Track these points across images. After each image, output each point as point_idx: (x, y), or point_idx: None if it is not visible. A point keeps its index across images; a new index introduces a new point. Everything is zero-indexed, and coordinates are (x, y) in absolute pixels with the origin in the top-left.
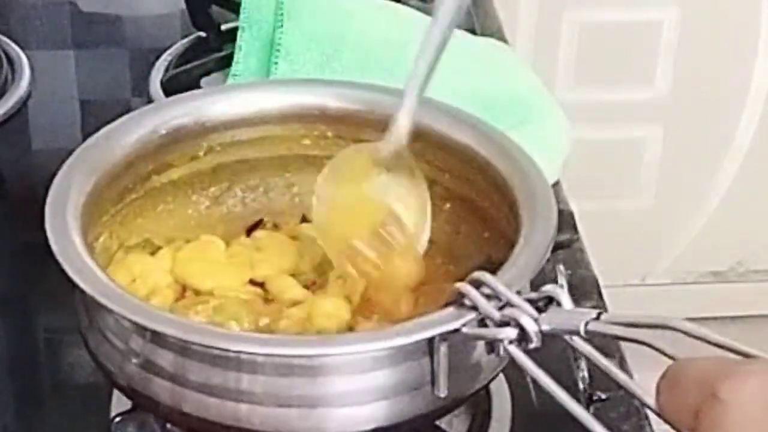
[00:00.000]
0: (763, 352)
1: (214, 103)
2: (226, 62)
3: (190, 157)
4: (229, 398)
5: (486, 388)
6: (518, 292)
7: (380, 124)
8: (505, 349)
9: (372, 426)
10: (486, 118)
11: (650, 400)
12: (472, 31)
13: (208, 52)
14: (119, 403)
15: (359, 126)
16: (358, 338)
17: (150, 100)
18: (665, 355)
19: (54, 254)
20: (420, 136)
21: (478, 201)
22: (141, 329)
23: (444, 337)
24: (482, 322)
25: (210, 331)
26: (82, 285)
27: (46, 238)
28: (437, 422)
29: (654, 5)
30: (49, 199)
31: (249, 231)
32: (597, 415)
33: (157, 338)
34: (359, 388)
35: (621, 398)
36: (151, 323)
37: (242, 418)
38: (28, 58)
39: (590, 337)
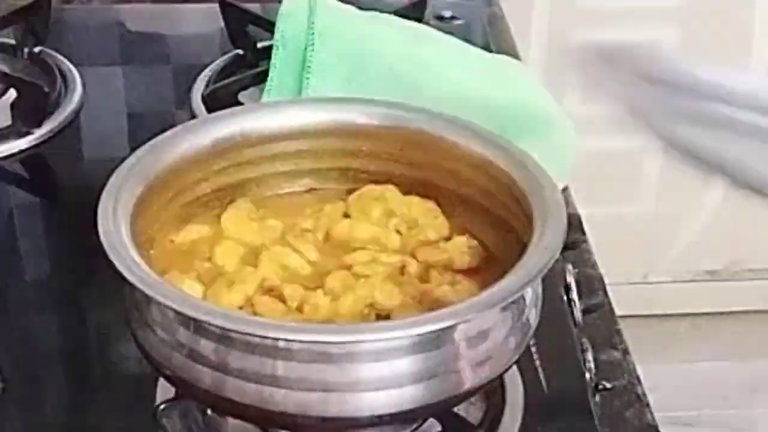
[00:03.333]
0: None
1: (258, 118)
2: (262, 78)
3: (235, 166)
4: (264, 383)
5: (501, 377)
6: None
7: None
8: None
9: (403, 408)
10: (500, 129)
11: None
12: (488, 49)
13: (245, 69)
14: (164, 392)
15: (389, 142)
16: (381, 327)
17: (192, 113)
18: None
19: (105, 251)
20: (443, 151)
21: (495, 209)
22: (184, 319)
23: None
24: None
25: (248, 320)
26: (130, 278)
27: (97, 240)
28: (455, 409)
29: (655, 25)
30: (101, 202)
31: None
32: (602, 404)
33: (200, 328)
34: (385, 374)
35: (624, 387)
36: (194, 313)
37: (272, 401)
38: (80, 74)
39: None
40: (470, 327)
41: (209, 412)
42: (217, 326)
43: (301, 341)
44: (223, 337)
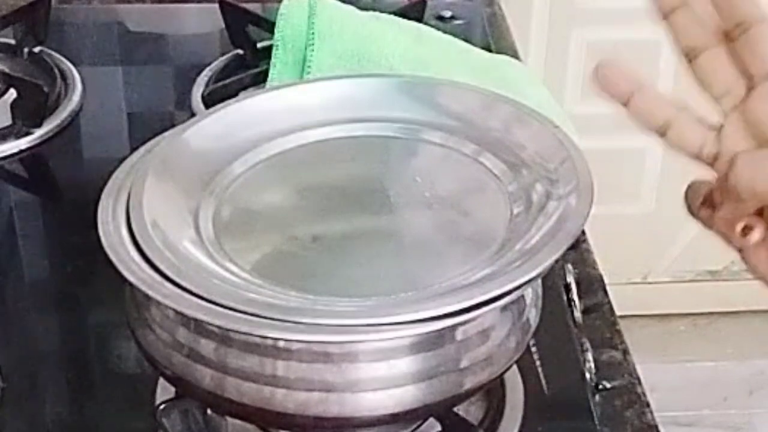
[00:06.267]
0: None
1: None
2: (262, 78)
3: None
4: (264, 383)
5: (501, 376)
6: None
7: None
8: None
9: (403, 408)
10: None
11: None
12: (488, 49)
13: (245, 69)
14: (164, 391)
15: None
16: (381, 327)
17: (192, 113)
18: None
19: (105, 251)
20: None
21: None
22: (184, 319)
23: None
24: None
25: (248, 320)
26: (130, 278)
27: (96, 240)
28: (456, 409)
29: (655, 25)
30: (101, 202)
31: None
32: (602, 404)
33: (199, 327)
34: (385, 374)
35: (625, 387)
36: (194, 313)
37: (272, 401)
38: (80, 74)
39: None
40: (470, 327)
41: (209, 411)
42: (216, 326)
43: (300, 341)
44: (223, 337)
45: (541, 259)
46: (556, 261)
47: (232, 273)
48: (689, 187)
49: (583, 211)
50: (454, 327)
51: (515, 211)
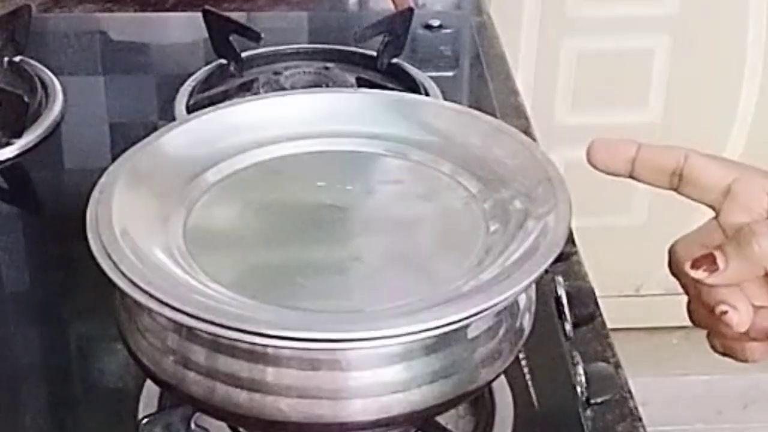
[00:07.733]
0: None
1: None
2: (246, 87)
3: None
4: (256, 390)
5: (489, 386)
6: None
7: None
8: None
9: (383, 416)
10: None
11: None
12: (477, 58)
13: (229, 78)
14: (146, 406)
15: None
16: (370, 335)
17: None
18: None
19: (94, 257)
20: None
21: None
22: (175, 326)
23: None
24: None
25: (239, 327)
26: (120, 284)
27: (79, 251)
28: (445, 424)
29: (647, 34)
30: (89, 207)
31: None
32: (594, 418)
33: (190, 334)
34: (372, 382)
35: (616, 401)
36: (186, 319)
37: (262, 408)
38: (61, 84)
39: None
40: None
41: (192, 425)
42: (208, 333)
43: (291, 348)
44: (214, 344)
45: (517, 279)
46: (546, 273)
47: (209, 287)
48: (676, 243)
49: (561, 230)
50: (445, 334)
51: (492, 229)
